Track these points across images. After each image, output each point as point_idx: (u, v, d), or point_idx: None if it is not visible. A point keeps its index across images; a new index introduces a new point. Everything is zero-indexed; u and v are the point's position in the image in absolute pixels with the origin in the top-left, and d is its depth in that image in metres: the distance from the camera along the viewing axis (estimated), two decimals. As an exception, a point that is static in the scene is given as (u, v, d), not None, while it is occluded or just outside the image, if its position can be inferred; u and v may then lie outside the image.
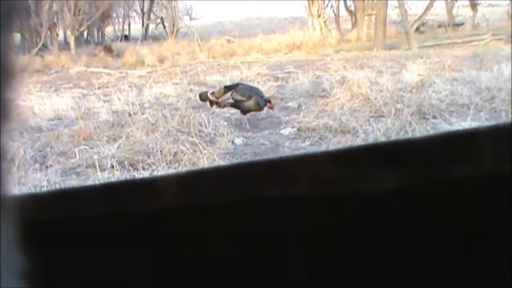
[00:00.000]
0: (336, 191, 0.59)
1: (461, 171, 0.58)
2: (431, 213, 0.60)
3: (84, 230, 0.66)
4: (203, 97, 7.86)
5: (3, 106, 0.28)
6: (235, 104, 7.51)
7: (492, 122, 6.29)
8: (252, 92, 7.61)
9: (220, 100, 7.57)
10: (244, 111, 7.47)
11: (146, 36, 28.77)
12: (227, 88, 7.67)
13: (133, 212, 0.65)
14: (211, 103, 7.66)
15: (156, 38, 26.85)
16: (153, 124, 7.27)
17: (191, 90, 10.58)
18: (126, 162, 5.85)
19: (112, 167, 5.69)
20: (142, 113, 8.10)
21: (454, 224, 0.60)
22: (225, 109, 7.95)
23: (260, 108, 7.47)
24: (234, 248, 0.64)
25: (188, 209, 0.63)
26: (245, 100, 7.43)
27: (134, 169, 5.65)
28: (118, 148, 6.30)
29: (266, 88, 9.63)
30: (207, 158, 5.68)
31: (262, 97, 7.53)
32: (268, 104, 7.50)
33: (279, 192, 0.60)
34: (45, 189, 5.02)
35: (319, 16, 25.27)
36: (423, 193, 0.59)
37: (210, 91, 7.88)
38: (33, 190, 4.77)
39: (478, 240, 0.59)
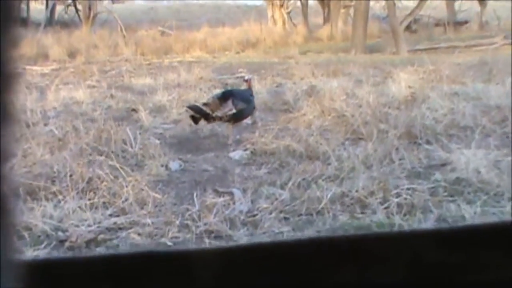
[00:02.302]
0: (441, 279, 0.59)
1: None
2: None
3: None
4: (194, 110, 7.85)
5: (3, 109, 0.31)
6: (235, 115, 7.74)
7: (504, 151, 6.44)
8: (248, 94, 8.05)
9: (219, 113, 7.65)
10: (240, 120, 7.89)
11: (51, 21, 28.42)
12: (222, 97, 7.81)
13: None
14: (199, 118, 7.74)
15: (65, 25, 26.57)
16: (60, 140, 7.21)
17: (112, 96, 10.53)
18: (21, 189, 5.78)
19: (3, 195, 5.61)
20: (45, 124, 8.03)
21: None
22: (158, 123, 7.96)
23: None
24: None
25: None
26: (246, 107, 7.79)
27: (32, 199, 5.59)
28: (10, 170, 6.22)
29: (211, 97, 9.68)
30: (133, 187, 5.66)
31: (252, 95, 8.06)
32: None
33: (361, 277, 0.60)
34: None
35: (281, 6, 25.50)
36: None
37: (202, 102, 7.99)
38: None
39: None
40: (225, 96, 7.82)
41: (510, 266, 0.60)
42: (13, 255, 0.34)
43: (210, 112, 7.66)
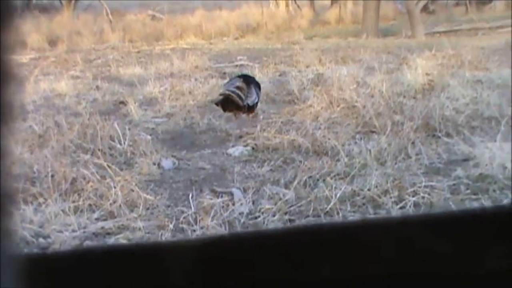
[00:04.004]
0: (434, 271, 0.60)
1: None
2: None
3: None
4: (237, 95, 7.49)
5: (4, 108, 0.34)
6: (256, 104, 7.73)
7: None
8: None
9: (249, 101, 7.51)
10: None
11: (29, 5, 28.45)
12: (246, 80, 7.71)
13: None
14: (227, 106, 7.58)
15: (44, 9, 26.59)
16: (40, 137, 7.23)
17: (97, 87, 10.55)
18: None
19: (-23, 198, 5.62)
20: (24, 120, 8.04)
21: None
22: (149, 117, 7.95)
23: None
24: None
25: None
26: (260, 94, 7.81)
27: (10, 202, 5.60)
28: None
29: (208, 88, 9.68)
30: (122, 188, 5.67)
31: None
32: None
33: (339, 271, 0.61)
34: None
35: (284, -15, 25.48)
36: None
37: (234, 85, 7.68)
38: None
39: None
40: (246, 81, 7.70)
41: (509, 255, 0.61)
42: (12, 253, 0.36)
43: (245, 98, 7.51)
